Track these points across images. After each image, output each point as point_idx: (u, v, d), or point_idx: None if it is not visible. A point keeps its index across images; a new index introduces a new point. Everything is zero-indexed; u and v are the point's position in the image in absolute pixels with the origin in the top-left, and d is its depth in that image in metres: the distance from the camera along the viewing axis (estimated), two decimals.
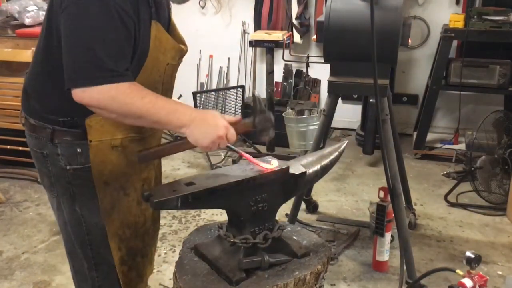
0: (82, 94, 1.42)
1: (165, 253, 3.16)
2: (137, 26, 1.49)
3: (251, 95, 5.47)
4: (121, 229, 1.73)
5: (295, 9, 5.09)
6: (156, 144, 1.71)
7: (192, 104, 4.95)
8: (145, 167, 1.75)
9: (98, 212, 1.67)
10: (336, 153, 1.80)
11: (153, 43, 1.56)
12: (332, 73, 2.83)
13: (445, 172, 4.31)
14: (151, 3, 1.54)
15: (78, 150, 1.61)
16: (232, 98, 5.35)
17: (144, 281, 1.91)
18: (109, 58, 1.41)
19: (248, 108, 5.00)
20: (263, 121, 1.54)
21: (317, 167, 1.72)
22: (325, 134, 3.25)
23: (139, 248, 1.82)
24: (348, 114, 5.28)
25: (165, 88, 1.70)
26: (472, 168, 3.85)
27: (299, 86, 5.34)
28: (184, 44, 1.75)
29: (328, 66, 2.83)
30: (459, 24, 4.23)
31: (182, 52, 1.72)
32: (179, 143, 1.57)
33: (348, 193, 4.02)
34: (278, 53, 4.83)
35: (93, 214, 1.68)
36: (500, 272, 2.98)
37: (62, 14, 1.44)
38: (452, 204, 3.80)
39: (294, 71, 5.40)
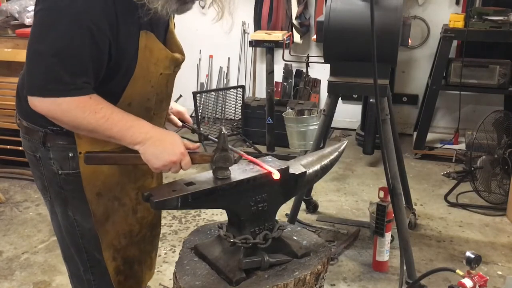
0: (35, 102, 1.42)
1: (165, 253, 3.16)
2: (114, 42, 1.44)
3: (250, 95, 5.48)
4: (116, 239, 1.71)
5: (295, 9, 5.09)
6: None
7: (193, 104, 4.96)
8: (140, 176, 1.72)
9: (91, 217, 1.64)
10: (336, 153, 1.80)
11: (142, 54, 1.51)
12: (332, 73, 2.83)
13: (445, 172, 4.31)
14: (142, 13, 1.46)
15: (70, 154, 1.58)
16: (232, 98, 5.35)
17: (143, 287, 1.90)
18: (67, 72, 1.38)
19: (248, 108, 5.00)
20: (221, 160, 1.50)
21: (317, 167, 1.72)
22: (325, 134, 3.25)
23: (136, 256, 1.80)
24: (348, 114, 5.29)
25: (159, 98, 1.65)
26: (472, 168, 3.85)
27: (299, 86, 5.34)
28: (181, 53, 1.70)
29: (328, 66, 2.83)
30: (459, 24, 4.23)
31: (177, 62, 1.66)
32: (131, 156, 1.53)
33: (348, 193, 4.02)
34: (278, 53, 4.83)
35: (86, 219, 1.65)
36: (500, 272, 2.98)
37: (34, 17, 1.42)
38: (452, 204, 3.80)
39: (294, 71, 5.40)
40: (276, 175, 1.53)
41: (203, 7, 1.57)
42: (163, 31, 1.65)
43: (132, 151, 1.51)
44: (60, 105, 1.40)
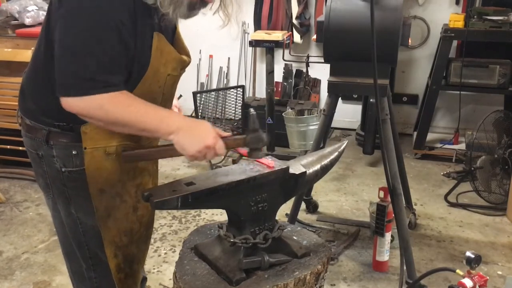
0: (70, 103, 1.44)
1: (165, 253, 3.16)
2: (134, 38, 1.48)
3: (250, 95, 5.48)
4: (118, 237, 1.72)
5: (295, 9, 5.09)
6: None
7: (193, 104, 4.96)
8: (139, 173, 1.73)
9: (94, 215, 1.65)
10: (336, 153, 1.80)
11: (154, 55, 1.55)
12: (332, 73, 2.83)
13: (445, 172, 4.31)
14: (153, 14, 1.51)
15: (73, 152, 1.60)
16: (232, 98, 5.35)
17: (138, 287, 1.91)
18: (99, 70, 1.41)
19: (248, 108, 5.00)
20: (255, 141, 1.53)
21: (317, 167, 1.72)
22: (325, 134, 3.25)
23: (135, 255, 1.81)
24: (348, 114, 5.29)
25: (164, 98, 1.69)
26: (472, 168, 3.85)
27: (299, 86, 5.34)
28: (188, 55, 1.74)
29: (328, 66, 2.84)
30: (459, 24, 4.23)
31: (184, 64, 1.71)
32: (165, 149, 1.56)
33: (348, 193, 4.02)
34: (278, 53, 4.83)
35: (89, 216, 1.67)
36: (500, 272, 2.98)
37: (59, 19, 1.44)
38: (452, 204, 3.80)
39: (294, 71, 5.40)
40: (271, 164, 1.55)
41: (206, 11, 1.60)
42: (170, 34, 1.68)
43: (161, 145, 1.53)
44: (95, 102, 1.43)
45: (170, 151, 1.54)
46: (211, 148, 1.50)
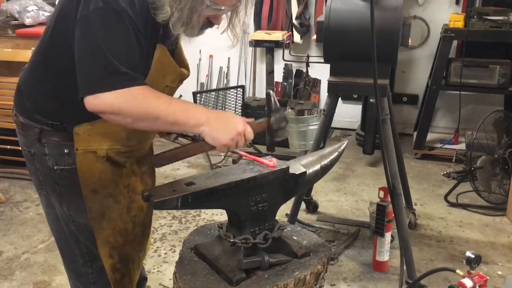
0: (95, 101, 1.40)
1: (165, 253, 3.16)
2: (143, 46, 1.49)
3: (250, 95, 5.48)
4: (113, 237, 1.72)
5: (295, 9, 5.09)
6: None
7: None
8: (125, 174, 1.73)
9: (85, 213, 1.65)
10: (336, 153, 1.81)
11: (154, 65, 1.55)
12: (332, 73, 2.83)
13: (445, 172, 4.31)
14: (160, 26, 1.53)
15: (65, 150, 1.60)
16: (232, 98, 5.35)
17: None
18: (125, 64, 1.40)
19: (248, 108, 5.00)
20: (278, 120, 1.53)
21: (317, 167, 1.72)
22: (325, 134, 3.25)
23: (130, 255, 1.81)
24: (348, 114, 5.28)
25: None
26: (472, 168, 3.85)
27: (299, 86, 5.34)
28: (187, 68, 1.75)
29: (328, 66, 2.84)
30: (459, 24, 4.23)
31: (183, 76, 1.71)
32: (196, 145, 1.54)
33: (348, 193, 4.02)
34: (278, 53, 4.83)
35: (81, 215, 1.67)
36: (500, 272, 2.98)
37: (79, 21, 1.42)
38: (452, 204, 3.80)
39: (294, 71, 5.40)
40: (271, 163, 1.55)
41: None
42: (172, 47, 1.69)
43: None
44: (122, 96, 1.40)
45: (199, 146, 1.53)
46: (242, 135, 1.50)
